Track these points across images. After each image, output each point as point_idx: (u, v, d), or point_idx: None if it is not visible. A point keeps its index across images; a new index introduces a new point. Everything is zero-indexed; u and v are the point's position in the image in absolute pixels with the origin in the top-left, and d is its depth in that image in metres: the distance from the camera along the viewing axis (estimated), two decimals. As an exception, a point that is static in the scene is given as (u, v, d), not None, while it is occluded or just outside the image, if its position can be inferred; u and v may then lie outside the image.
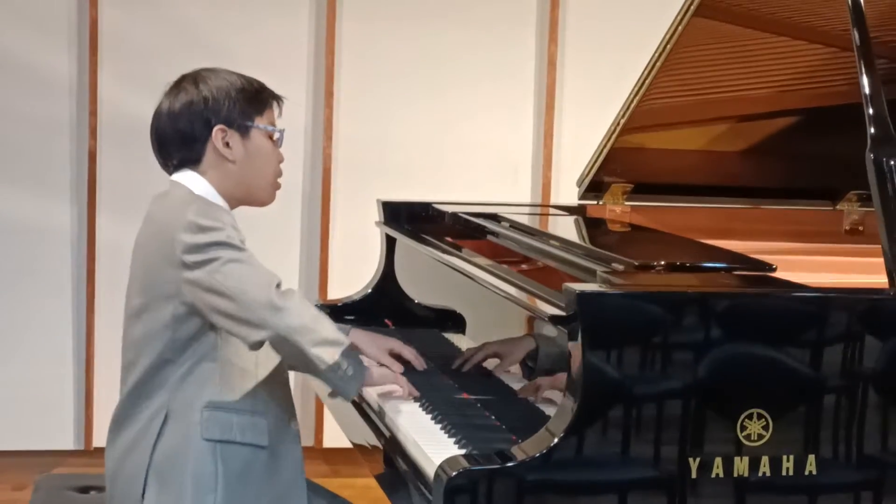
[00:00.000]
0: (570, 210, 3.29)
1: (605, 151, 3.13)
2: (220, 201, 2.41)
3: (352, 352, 2.34)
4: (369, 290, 3.22)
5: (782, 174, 3.38)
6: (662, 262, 2.26)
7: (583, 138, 4.15)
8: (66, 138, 4.11)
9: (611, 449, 1.99)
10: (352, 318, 3.16)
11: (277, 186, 2.50)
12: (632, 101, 3.05)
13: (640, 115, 3.08)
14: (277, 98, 2.48)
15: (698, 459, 2.02)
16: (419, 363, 2.71)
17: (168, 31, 4.13)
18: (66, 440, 4.17)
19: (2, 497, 4.08)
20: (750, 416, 2.04)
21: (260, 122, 2.43)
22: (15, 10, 4.04)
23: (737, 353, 2.05)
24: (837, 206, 3.40)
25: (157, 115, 2.42)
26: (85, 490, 2.70)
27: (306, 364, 2.31)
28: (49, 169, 4.11)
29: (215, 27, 4.15)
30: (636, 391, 2.01)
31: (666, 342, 2.02)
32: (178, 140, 2.40)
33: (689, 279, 2.23)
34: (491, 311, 2.71)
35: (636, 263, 2.24)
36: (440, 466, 1.99)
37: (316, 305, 3.24)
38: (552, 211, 3.38)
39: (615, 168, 3.19)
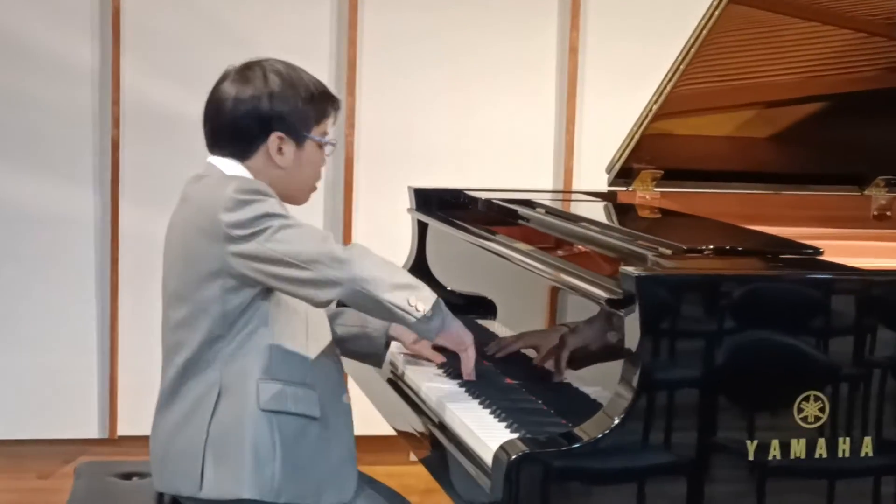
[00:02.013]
0: (600, 196, 3.30)
1: (637, 138, 3.13)
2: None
3: (430, 296, 2.29)
4: (404, 276, 3.22)
5: (810, 160, 3.39)
6: (711, 247, 2.28)
7: (605, 125, 4.17)
8: (88, 127, 4.10)
9: (669, 430, 2.01)
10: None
11: (314, 190, 2.53)
12: (665, 87, 3.05)
13: (671, 102, 3.08)
14: (337, 107, 2.48)
15: (755, 441, 2.04)
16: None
17: (190, 20, 4.13)
18: (91, 429, 4.17)
19: (27, 485, 4.09)
20: (807, 399, 2.06)
21: (316, 133, 2.43)
22: (37, -1, 4.04)
23: (794, 335, 2.06)
24: (865, 192, 3.41)
25: (218, 103, 2.39)
26: (127, 476, 2.70)
27: (382, 311, 2.28)
28: (72, 158, 4.10)
29: (238, 16, 4.15)
30: (693, 373, 2.02)
31: (723, 325, 2.03)
32: (234, 135, 2.39)
33: (738, 263, 2.24)
34: (523, 296, 2.72)
35: (685, 248, 2.25)
36: (499, 450, 2.00)
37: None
38: (584, 197, 3.38)
39: (644, 155, 3.19)
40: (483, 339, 2.80)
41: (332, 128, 2.49)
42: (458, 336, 2.44)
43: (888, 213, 3.40)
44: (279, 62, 2.44)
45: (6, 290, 4.10)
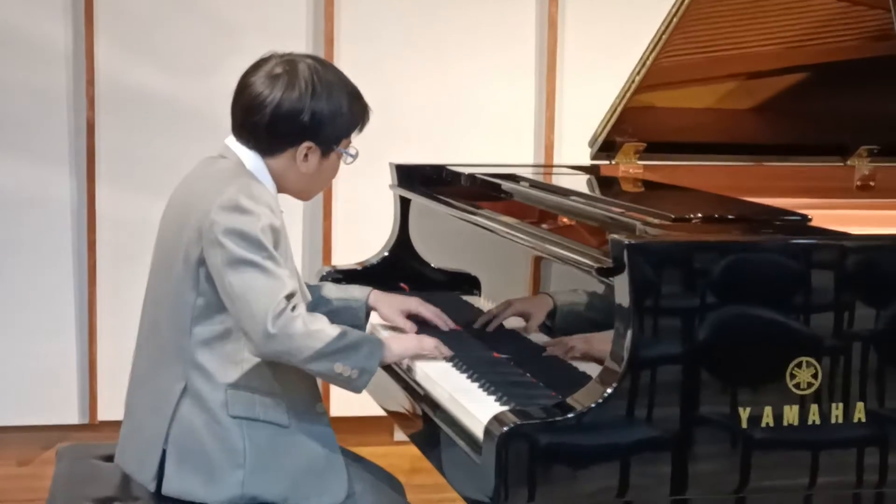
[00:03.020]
0: (583, 170, 3.28)
1: (620, 110, 3.11)
2: (268, 181, 2.40)
3: (357, 347, 2.31)
4: (386, 253, 3.20)
5: (793, 131, 3.38)
6: (699, 215, 2.26)
7: (585, 99, 4.14)
8: (63, 109, 4.04)
9: (662, 398, 1.99)
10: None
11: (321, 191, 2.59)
12: (647, 58, 3.03)
13: (653, 74, 3.06)
14: (367, 120, 2.49)
15: (748, 409, 2.03)
16: (442, 322, 2.71)
17: (164, -2, 4.08)
18: (71, 414, 4.12)
19: (6, 472, 4.05)
20: (799, 365, 2.04)
21: (343, 145, 2.45)
22: (8, -22, 3.97)
23: (784, 301, 2.05)
24: (848, 162, 3.40)
25: (257, 100, 2.36)
26: (110, 458, 2.66)
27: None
28: (47, 140, 4.04)
29: (213, -7, 4.10)
30: (685, 340, 2.01)
31: (714, 292, 2.02)
32: (267, 135, 2.38)
33: (727, 231, 2.22)
34: (507, 271, 2.71)
35: (672, 216, 2.24)
36: (491, 422, 1.98)
37: (329, 271, 3.24)
38: (567, 171, 3.36)
39: (627, 128, 3.17)
40: (469, 315, 2.78)
41: (356, 136, 2.49)
42: (404, 352, 2.48)
43: (871, 184, 3.39)
44: (319, 64, 2.42)
45: (-19, 275, 4.05)
